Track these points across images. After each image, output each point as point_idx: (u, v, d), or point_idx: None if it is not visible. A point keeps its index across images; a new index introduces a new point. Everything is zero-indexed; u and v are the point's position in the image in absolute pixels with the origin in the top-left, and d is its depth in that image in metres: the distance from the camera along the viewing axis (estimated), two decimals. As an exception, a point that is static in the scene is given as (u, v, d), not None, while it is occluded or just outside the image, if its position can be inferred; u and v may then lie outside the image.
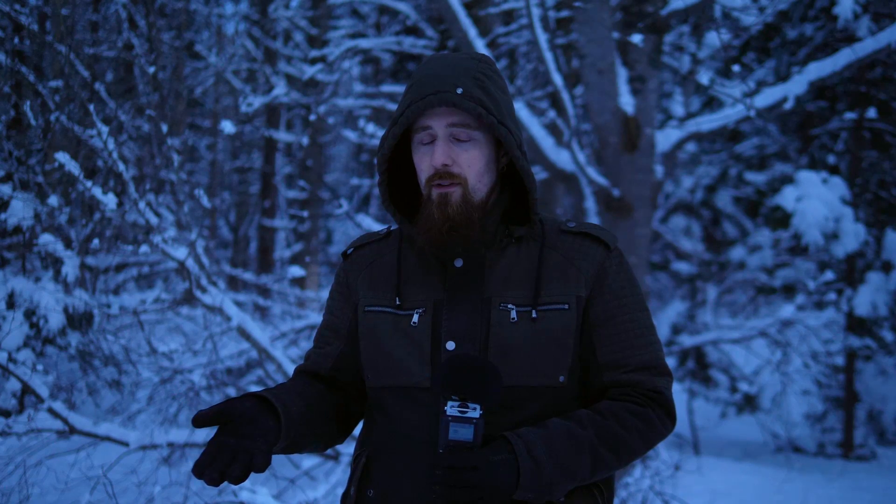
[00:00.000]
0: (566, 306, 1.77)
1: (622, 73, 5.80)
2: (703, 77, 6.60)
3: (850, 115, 8.39)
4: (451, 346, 1.75)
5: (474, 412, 1.61)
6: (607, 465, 1.72)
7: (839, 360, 8.70)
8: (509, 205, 1.85)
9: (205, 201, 5.36)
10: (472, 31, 5.74)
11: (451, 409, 1.62)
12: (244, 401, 1.65)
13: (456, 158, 1.76)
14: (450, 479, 1.59)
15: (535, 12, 5.43)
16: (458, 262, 1.79)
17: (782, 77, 8.52)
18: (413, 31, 10.59)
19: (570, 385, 1.78)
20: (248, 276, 11.29)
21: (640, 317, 1.83)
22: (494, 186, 1.83)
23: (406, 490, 1.75)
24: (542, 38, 5.53)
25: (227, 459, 1.55)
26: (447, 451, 1.60)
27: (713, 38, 7.41)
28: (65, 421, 4.44)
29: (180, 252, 4.89)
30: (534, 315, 1.75)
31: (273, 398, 1.70)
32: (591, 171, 5.70)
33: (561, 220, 1.88)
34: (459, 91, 1.73)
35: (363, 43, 9.48)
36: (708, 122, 6.07)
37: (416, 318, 1.78)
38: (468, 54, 1.85)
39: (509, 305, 1.76)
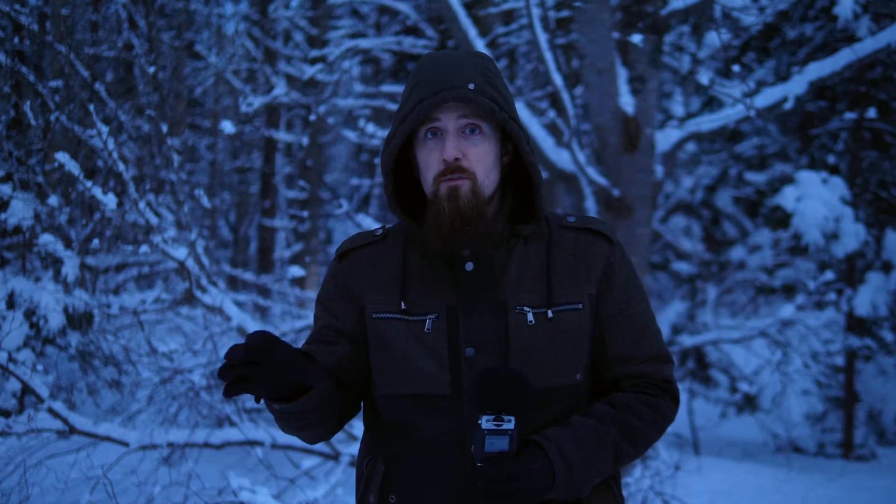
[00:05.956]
0: (580, 305, 1.78)
1: (622, 73, 5.80)
2: (703, 77, 6.59)
3: (850, 115, 8.38)
4: (470, 352, 1.74)
5: (509, 424, 1.62)
6: (627, 457, 1.77)
7: (839, 360, 8.69)
8: (513, 204, 1.85)
9: (205, 201, 5.36)
10: (472, 31, 5.74)
11: (487, 423, 1.63)
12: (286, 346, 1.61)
13: (466, 153, 1.74)
14: (492, 490, 1.61)
15: (535, 12, 5.43)
16: (469, 266, 1.77)
17: (782, 77, 8.51)
18: (413, 31, 10.58)
19: (584, 381, 1.81)
20: (248, 276, 11.28)
21: (644, 308, 1.86)
22: (498, 185, 1.81)
23: (432, 496, 1.75)
24: (542, 38, 5.52)
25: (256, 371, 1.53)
26: (486, 464, 1.62)
27: (713, 38, 7.40)
28: (65, 421, 4.44)
29: (180, 252, 4.90)
30: (550, 315, 1.75)
31: (315, 356, 1.70)
32: (591, 171, 5.70)
33: (560, 216, 1.89)
34: (472, 87, 1.72)
35: (363, 43, 9.48)
36: (708, 122, 6.06)
37: (428, 324, 1.76)
38: (469, 52, 1.85)
39: (525, 308, 1.76)
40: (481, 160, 1.76)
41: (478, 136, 1.76)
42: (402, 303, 1.78)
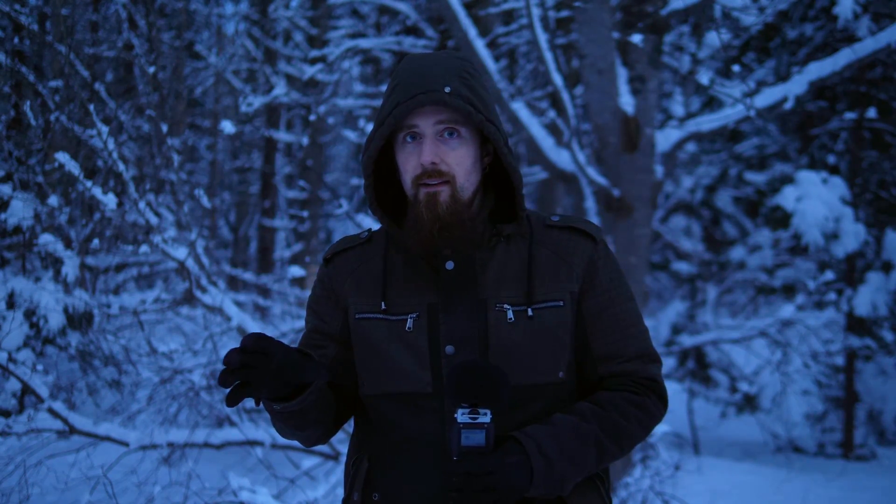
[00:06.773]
0: (561, 303, 1.78)
1: (622, 73, 5.80)
2: (703, 77, 6.59)
3: (850, 115, 8.38)
4: (450, 350, 1.74)
5: (485, 417, 1.63)
6: (611, 455, 1.76)
7: (839, 360, 8.69)
8: (495, 204, 1.85)
9: (205, 201, 5.36)
10: (472, 31, 5.74)
11: (462, 416, 1.63)
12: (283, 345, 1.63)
13: (444, 157, 1.75)
14: (467, 485, 1.61)
15: (535, 12, 5.43)
16: (450, 265, 1.78)
17: (782, 77, 8.51)
18: (413, 31, 10.58)
19: (568, 379, 1.80)
20: (248, 276, 11.29)
21: (629, 307, 1.85)
22: (479, 186, 1.82)
23: (414, 494, 1.76)
24: (542, 38, 5.53)
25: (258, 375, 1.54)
26: (461, 458, 1.61)
27: (713, 38, 7.40)
28: (65, 421, 4.44)
29: (180, 252, 4.90)
30: (530, 313, 1.76)
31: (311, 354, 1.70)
32: (591, 171, 5.70)
33: (544, 215, 1.89)
34: (448, 90, 1.72)
35: (363, 43, 9.47)
36: (708, 122, 6.06)
37: (410, 323, 1.77)
38: (449, 53, 1.85)
39: (505, 305, 1.76)
40: (460, 163, 1.76)
41: (456, 139, 1.76)
42: (383, 303, 1.79)
